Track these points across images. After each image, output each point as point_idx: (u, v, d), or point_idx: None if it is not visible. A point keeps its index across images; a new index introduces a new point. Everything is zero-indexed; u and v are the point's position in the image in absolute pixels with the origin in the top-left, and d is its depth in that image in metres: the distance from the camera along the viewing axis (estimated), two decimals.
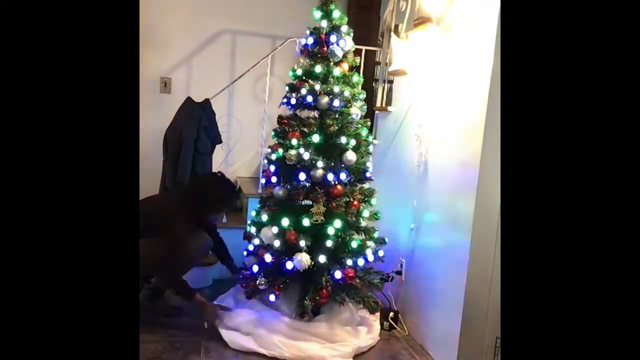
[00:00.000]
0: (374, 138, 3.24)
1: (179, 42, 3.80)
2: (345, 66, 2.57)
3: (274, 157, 2.56)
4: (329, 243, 2.42)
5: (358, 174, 2.57)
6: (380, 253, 2.62)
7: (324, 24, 2.51)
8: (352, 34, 2.59)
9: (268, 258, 2.48)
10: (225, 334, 2.41)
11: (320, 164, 2.41)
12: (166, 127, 3.31)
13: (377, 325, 2.63)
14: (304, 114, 2.65)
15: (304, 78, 2.56)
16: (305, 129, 2.52)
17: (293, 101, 2.56)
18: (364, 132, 2.59)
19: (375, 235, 2.62)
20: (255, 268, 2.55)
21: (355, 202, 2.50)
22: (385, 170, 3.13)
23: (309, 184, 2.51)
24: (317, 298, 2.40)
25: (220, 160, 3.57)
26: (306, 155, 2.43)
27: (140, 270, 1.49)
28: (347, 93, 2.51)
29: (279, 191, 2.54)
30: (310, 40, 2.53)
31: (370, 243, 2.55)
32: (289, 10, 3.87)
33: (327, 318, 2.48)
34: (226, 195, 2.71)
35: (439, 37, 2.49)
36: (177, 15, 3.78)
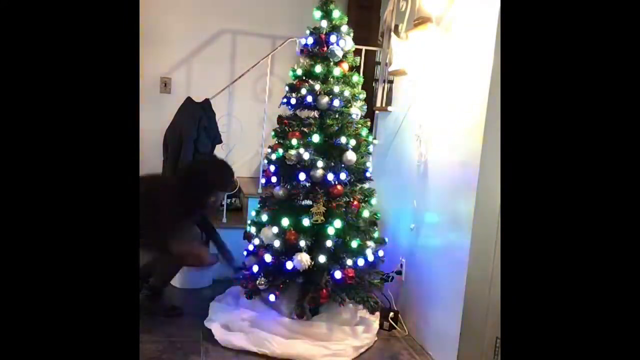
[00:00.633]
0: (374, 138, 3.24)
1: (179, 42, 3.80)
2: (345, 66, 2.57)
3: (274, 157, 2.56)
4: (329, 243, 2.42)
5: (358, 174, 2.57)
6: (380, 253, 2.63)
7: (324, 24, 2.51)
8: (352, 34, 2.59)
9: (268, 258, 2.48)
10: (218, 332, 2.41)
11: (320, 164, 2.41)
12: (166, 127, 3.31)
13: (375, 325, 2.63)
14: (304, 114, 2.65)
15: (304, 78, 2.56)
16: (305, 129, 2.52)
17: (293, 101, 2.56)
18: (364, 132, 2.59)
19: (375, 235, 2.62)
20: (255, 268, 2.55)
21: (355, 202, 2.50)
22: (385, 170, 3.13)
23: (309, 184, 2.51)
24: (317, 298, 2.40)
25: None
26: (306, 155, 2.43)
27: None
28: (347, 93, 2.51)
29: (279, 191, 2.54)
30: (310, 40, 2.54)
31: (370, 243, 2.55)
32: (289, 10, 3.87)
33: (326, 318, 2.49)
34: (220, 172, 2.66)
35: (439, 37, 2.49)
36: (177, 15, 3.78)
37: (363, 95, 2.62)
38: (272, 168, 2.57)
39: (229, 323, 2.48)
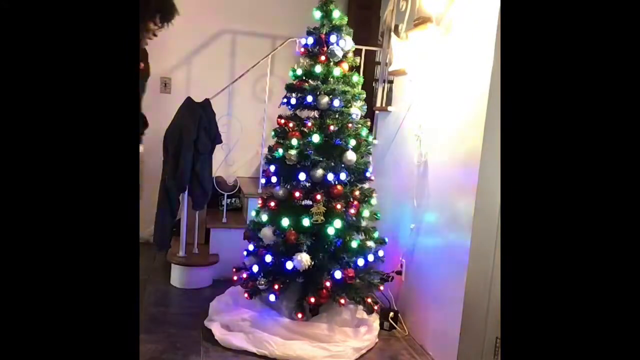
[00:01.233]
0: (374, 138, 3.24)
1: (179, 42, 3.79)
2: (345, 66, 2.57)
3: (274, 157, 2.56)
4: (328, 243, 2.42)
5: (358, 174, 2.57)
6: (380, 253, 2.62)
7: (324, 24, 2.51)
8: (352, 34, 2.59)
9: (268, 258, 2.48)
10: (218, 332, 2.41)
11: (320, 164, 2.41)
12: (166, 127, 3.31)
13: (376, 326, 2.63)
14: (304, 114, 2.65)
15: (304, 78, 2.56)
16: (305, 129, 2.52)
17: (293, 101, 2.57)
18: (364, 132, 2.59)
19: (375, 235, 2.62)
20: (255, 268, 2.55)
21: (355, 202, 2.50)
22: (385, 170, 3.13)
23: (309, 184, 2.51)
24: (317, 298, 2.40)
25: (220, 160, 3.57)
26: (306, 156, 2.43)
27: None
28: (347, 93, 2.51)
29: (279, 191, 2.54)
30: (310, 40, 2.54)
31: (370, 243, 2.55)
32: (289, 10, 3.86)
33: (326, 318, 2.48)
34: None
35: (439, 37, 2.49)
36: (177, 15, 3.77)
37: (363, 95, 2.62)
38: (272, 168, 2.57)
39: (229, 323, 2.48)
